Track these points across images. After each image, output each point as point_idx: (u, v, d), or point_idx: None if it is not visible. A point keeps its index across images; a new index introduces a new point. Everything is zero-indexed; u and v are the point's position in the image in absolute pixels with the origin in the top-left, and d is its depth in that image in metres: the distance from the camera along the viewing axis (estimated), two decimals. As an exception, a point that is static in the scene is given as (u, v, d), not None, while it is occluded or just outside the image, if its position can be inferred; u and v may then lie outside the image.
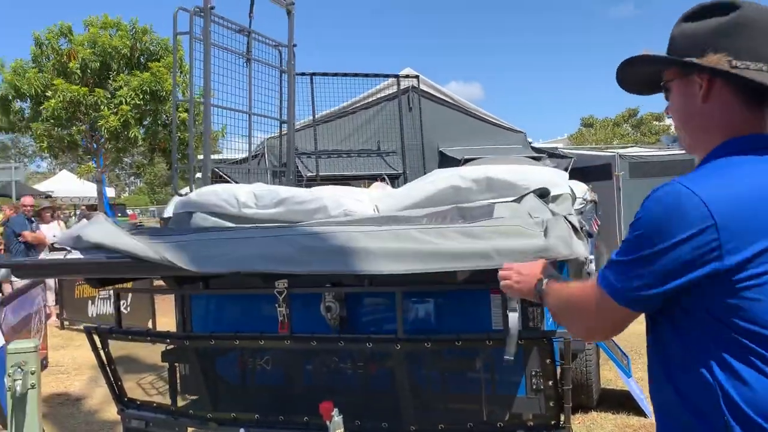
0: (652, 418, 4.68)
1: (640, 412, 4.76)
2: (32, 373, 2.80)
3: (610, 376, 5.48)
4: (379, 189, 4.92)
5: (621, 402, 4.94)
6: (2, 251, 11.39)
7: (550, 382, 2.66)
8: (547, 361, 2.64)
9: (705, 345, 1.26)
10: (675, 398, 1.31)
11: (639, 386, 5.10)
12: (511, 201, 2.83)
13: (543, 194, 2.94)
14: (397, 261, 2.29)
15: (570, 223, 2.56)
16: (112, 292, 3.44)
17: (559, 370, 2.71)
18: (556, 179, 3.14)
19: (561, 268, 2.87)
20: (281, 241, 2.47)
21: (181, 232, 3.03)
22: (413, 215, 2.66)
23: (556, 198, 3.00)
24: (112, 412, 5.45)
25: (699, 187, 1.24)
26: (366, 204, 3.17)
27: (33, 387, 2.81)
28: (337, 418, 2.51)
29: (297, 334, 2.84)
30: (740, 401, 1.20)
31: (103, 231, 2.71)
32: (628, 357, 5.22)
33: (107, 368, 3.25)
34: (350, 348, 2.84)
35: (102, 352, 3.23)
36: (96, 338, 3.20)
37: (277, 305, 2.82)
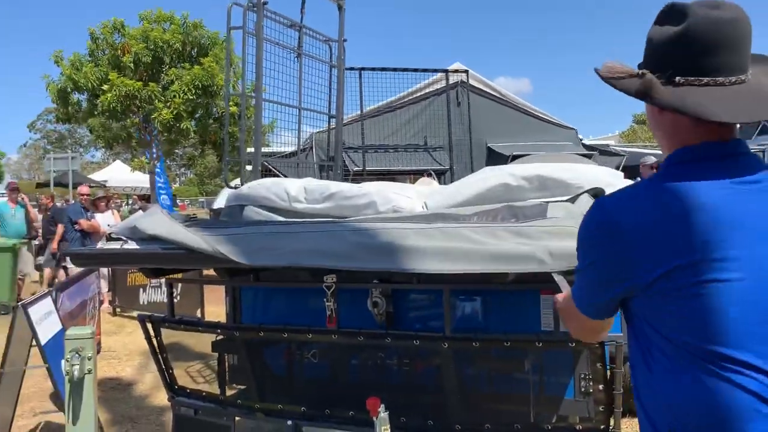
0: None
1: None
2: (89, 359, 2.89)
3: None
4: (426, 184, 4.92)
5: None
6: (39, 237, 11.80)
7: (600, 386, 2.61)
8: (598, 364, 2.59)
9: (641, 350, 1.32)
10: (635, 396, 1.38)
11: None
12: (565, 200, 2.78)
13: (597, 194, 2.87)
14: (447, 260, 2.27)
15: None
16: (164, 281, 3.52)
17: (609, 373, 2.65)
18: (611, 179, 3.06)
19: None
20: (332, 237, 2.48)
21: (233, 224, 3.08)
22: (463, 213, 2.64)
23: (611, 197, 2.92)
24: (161, 397, 5.60)
25: (619, 204, 1.32)
26: (415, 201, 3.16)
27: (89, 372, 2.89)
28: (383, 414, 2.52)
29: (344, 329, 2.86)
30: (665, 405, 1.27)
31: (158, 223, 2.77)
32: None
33: (159, 356, 3.33)
34: (397, 345, 2.83)
35: (155, 340, 3.31)
36: (149, 326, 3.28)
37: (325, 299, 2.84)
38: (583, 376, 2.85)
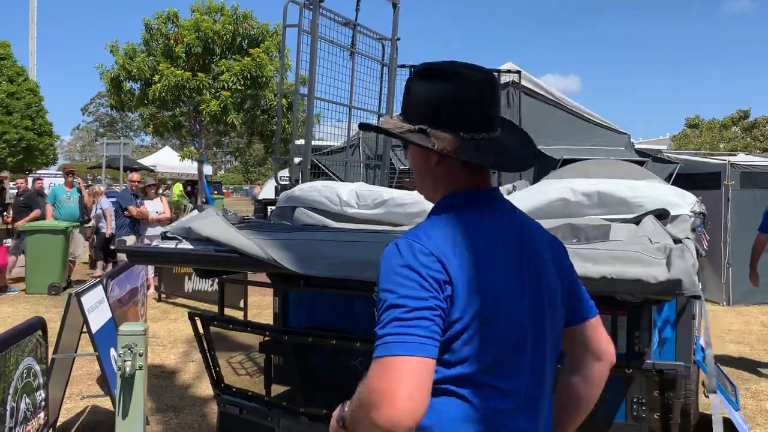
0: (756, 453, 4.39)
1: (742, 444, 4.46)
2: (140, 355, 2.93)
3: (708, 400, 5.18)
4: None
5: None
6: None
7: (656, 416, 2.53)
8: (655, 393, 2.50)
9: None
10: None
11: (744, 419, 4.79)
12: (629, 221, 2.69)
13: (662, 216, 2.77)
14: None
15: (690, 249, 2.40)
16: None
17: (664, 401, 2.57)
18: (674, 198, 2.95)
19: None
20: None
21: (286, 229, 3.08)
22: None
23: (674, 218, 2.82)
24: (203, 388, 5.68)
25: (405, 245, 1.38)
26: (469, 211, 3.11)
27: (140, 368, 2.94)
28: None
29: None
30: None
31: (213, 225, 2.78)
32: (735, 387, 4.90)
33: (207, 354, 3.36)
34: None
35: (204, 338, 3.34)
36: (198, 323, 3.31)
37: (375, 309, 2.81)
38: (636, 399, 2.77)
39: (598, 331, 1.61)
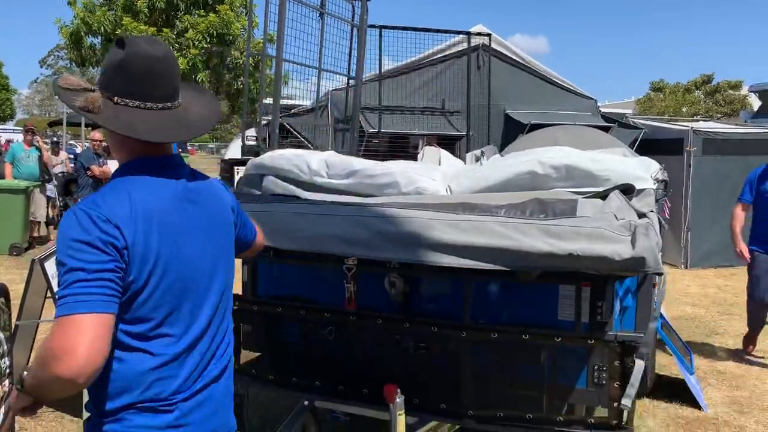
0: (707, 412, 4.59)
1: (694, 404, 4.67)
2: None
3: (664, 362, 5.38)
4: (432, 154, 4.85)
5: (675, 391, 4.84)
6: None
7: (616, 384, 2.62)
8: (615, 363, 2.59)
9: None
10: None
11: (698, 380, 5.00)
12: (595, 196, 2.74)
13: (628, 191, 2.83)
14: (474, 255, 2.25)
15: (654, 224, 2.47)
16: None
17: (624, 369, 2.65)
18: (640, 172, 3.01)
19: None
20: (357, 224, 2.45)
21: (254, 199, 3.05)
22: (491, 204, 2.60)
23: (639, 192, 2.88)
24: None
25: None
26: (439, 183, 3.12)
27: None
28: (399, 400, 2.54)
29: (363, 311, 2.86)
30: None
31: None
32: (691, 352, 5.09)
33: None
34: (415, 330, 2.84)
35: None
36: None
37: (345, 281, 2.83)
38: (596, 367, 2.87)
39: (258, 240, 2.08)
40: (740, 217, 5.53)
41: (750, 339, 5.81)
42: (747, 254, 5.41)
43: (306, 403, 3.06)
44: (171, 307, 1.56)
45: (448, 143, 9.05)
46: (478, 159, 5.32)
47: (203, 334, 1.64)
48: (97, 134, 10.61)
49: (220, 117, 1.78)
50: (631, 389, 2.59)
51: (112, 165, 10.07)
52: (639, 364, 2.59)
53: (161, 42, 1.66)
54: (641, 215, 2.52)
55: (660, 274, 2.40)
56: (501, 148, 7.62)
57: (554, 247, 2.16)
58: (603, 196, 2.72)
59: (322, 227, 2.51)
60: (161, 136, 1.60)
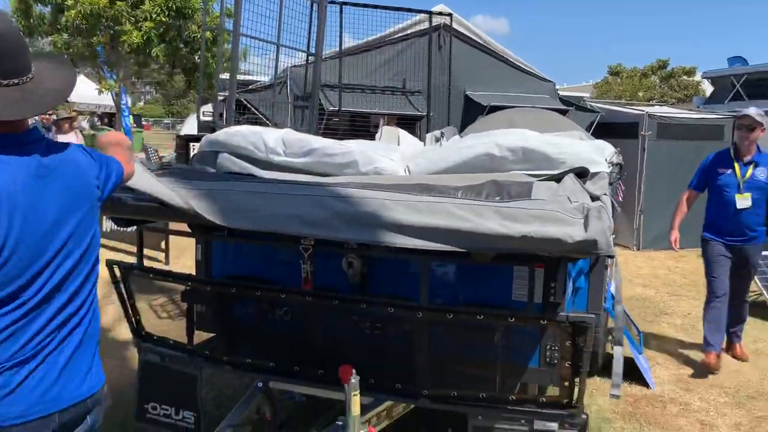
0: (654, 390, 4.74)
1: (642, 382, 4.82)
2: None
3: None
4: (390, 134, 4.84)
5: (624, 370, 4.96)
6: None
7: (567, 363, 2.67)
8: (567, 343, 2.63)
9: None
10: None
11: (646, 360, 5.15)
12: (551, 179, 2.76)
13: (582, 174, 2.86)
14: (430, 236, 2.25)
15: (607, 207, 2.50)
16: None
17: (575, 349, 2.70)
18: (595, 156, 3.05)
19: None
20: (313, 203, 2.42)
21: (209, 177, 2.98)
22: (448, 185, 2.60)
23: (593, 176, 2.92)
24: (124, 332, 5.56)
25: None
26: (397, 163, 3.11)
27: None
28: (354, 381, 2.54)
29: (319, 291, 2.84)
30: None
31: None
32: (640, 332, 5.23)
33: (126, 302, 3.28)
34: (371, 310, 2.83)
35: (122, 287, 3.25)
36: (117, 273, 3.22)
37: (301, 262, 2.80)
38: (549, 347, 2.92)
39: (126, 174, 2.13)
40: (684, 204, 5.46)
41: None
42: (676, 245, 5.44)
43: (260, 384, 3.04)
44: (14, 282, 1.64)
45: (408, 123, 9.02)
46: (437, 140, 5.32)
47: (46, 305, 1.71)
48: (46, 107, 10.24)
49: (71, 89, 1.85)
50: (617, 378, 2.64)
51: (62, 140, 9.77)
52: (618, 351, 2.63)
53: (3, 18, 1.70)
54: (595, 198, 2.55)
55: (611, 257, 2.44)
56: (461, 129, 7.63)
57: (509, 228, 2.18)
58: (558, 179, 2.75)
59: (279, 207, 2.46)
60: (4, 114, 1.62)
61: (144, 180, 2.61)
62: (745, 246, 5.12)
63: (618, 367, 2.48)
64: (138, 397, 3.39)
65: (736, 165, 5.07)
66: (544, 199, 2.34)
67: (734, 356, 5.45)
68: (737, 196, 5.03)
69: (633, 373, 4.87)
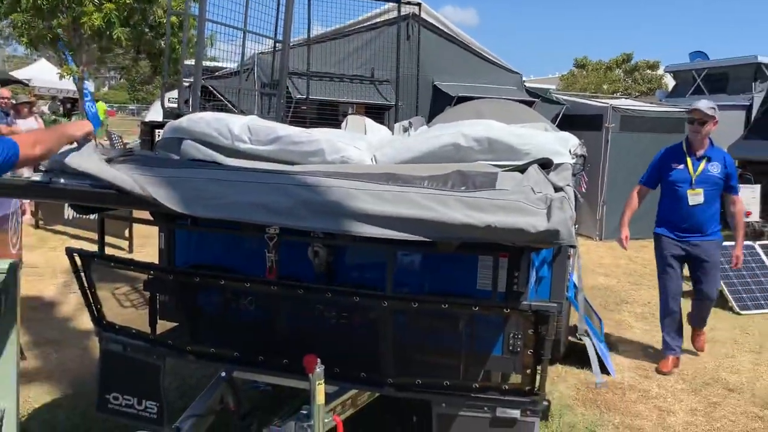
0: (615, 377, 4.84)
1: (603, 369, 4.92)
2: (6, 297, 2.75)
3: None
4: (357, 123, 4.82)
5: (586, 357, 5.07)
6: None
7: (529, 351, 2.71)
8: (529, 331, 2.67)
9: None
10: None
11: (607, 347, 5.25)
12: (515, 169, 2.78)
13: (546, 165, 2.89)
14: (395, 226, 2.26)
15: (570, 198, 2.54)
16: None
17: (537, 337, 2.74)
18: (559, 147, 3.08)
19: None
20: (278, 191, 2.40)
21: (170, 164, 2.93)
22: (414, 174, 2.61)
23: (557, 167, 2.95)
24: (85, 321, 5.47)
25: None
26: (364, 152, 3.10)
27: (11, 310, 2.77)
28: (319, 370, 2.54)
29: (284, 280, 2.83)
30: None
31: (88, 160, 2.61)
32: (601, 321, 5.33)
33: (87, 291, 3.22)
34: (337, 300, 2.83)
35: (83, 275, 3.19)
36: (78, 261, 3.15)
37: (266, 250, 2.79)
38: (512, 335, 2.96)
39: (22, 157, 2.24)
40: (634, 199, 5.24)
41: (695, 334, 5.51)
42: (626, 243, 5.20)
43: (224, 374, 3.02)
44: None
45: (376, 112, 9.01)
46: (405, 130, 5.32)
47: None
48: (5, 91, 9.96)
49: None
50: (594, 366, 2.68)
51: (22, 126, 9.50)
52: (588, 343, 2.67)
53: None
54: (558, 189, 2.58)
55: (573, 247, 2.48)
56: (429, 119, 7.65)
57: (473, 218, 2.19)
58: (522, 169, 2.78)
59: (243, 195, 2.43)
60: None
61: (101, 168, 2.57)
62: (701, 243, 4.98)
63: (593, 358, 2.52)
64: (99, 388, 3.34)
65: (689, 160, 4.93)
66: (508, 189, 2.36)
67: (696, 347, 5.47)
68: (689, 192, 4.89)
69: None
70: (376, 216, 2.29)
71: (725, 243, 5.47)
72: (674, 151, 5.07)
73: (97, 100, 21.00)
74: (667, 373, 4.99)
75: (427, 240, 2.29)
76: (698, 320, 5.41)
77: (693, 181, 4.89)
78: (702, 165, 4.91)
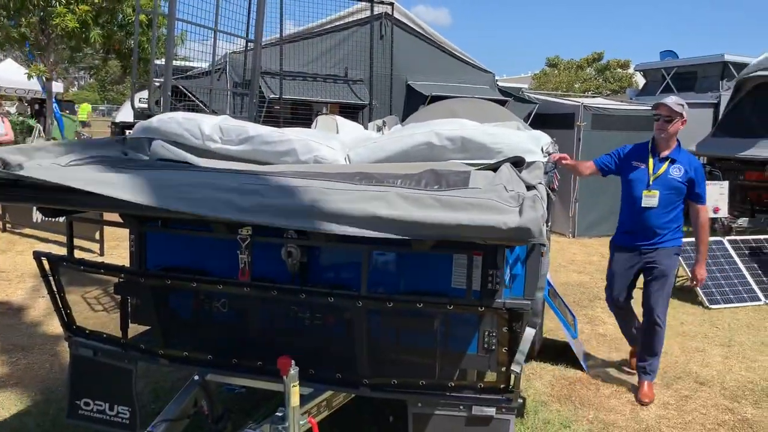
0: (589, 372, 4.89)
1: (577, 365, 4.97)
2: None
3: (551, 326, 5.67)
4: (327, 122, 4.81)
5: (560, 353, 5.13)
6: None
7: (504, 349, 2.71)
8: (504, 328, 2.68)
9: None
10: None
11: (581, 344, 5.31)
12: (488, 168, 2.79)
13: (518, 163, 2.91)
14: (369, 225, 2.25)
15: (541, 196, 2.56)
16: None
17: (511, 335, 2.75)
18: (531, 145, 3.10)
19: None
20: (251, 192, 2.37)
21: (140, 165, 2.88)
22: (388, 173, 2.60)
23: (529, 165, 2.97)
24: (54, 326, 5.38)
25: None
26: (337, 152, 3.09)
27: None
28: (293, 372, 2.52)
29: (257, 282, 2.80)
30: None
31: (45, 169, 2.55)
32: (575, 318, 5.37)
33: (56, 296, 3.16)
34: (311, 300, 2.81)
35: (51, 280, 3.12)
36: (46, 265, 3.09)
37: (239, 252, 2.76)
38: (487, 332, 2.97)
39: None
40: (582, 165, 4.97)
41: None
42: (562, 160, 4.47)
43: (197, 377, 2.98)
44: None
45: (351, 112, 9.01)
46: (380, 129, 5.33)
47: None
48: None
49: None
50: (520, 356, 2.70)
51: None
52: (528, 332, 2.68)
53: None
54: (530, 187, 2.60)
55: (543, 245, 2.50)
56: (403, 118, 7.66)
57: (446, 217, 2.19)
58: (495, 168, 2.79)
59: (214, 195, 2.40)
60: None
61: (57, 172, 2.51)
62: (653, 251, 4.51)
63: (524, 346, 2.53)
64: (69, 393, 3.28)
65: (651, 160, 4.52)
66: (481, 187, 2.37)
67: (638, 399, 4.52)
68: (644, 193, 4.47)
69: (569, 357, 5.02)
70: (348, 215, 2.28)
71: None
72: (639, 150, 4.67)
73: (82, 102, 20.65)
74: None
75: (401, 238, 2.29)
76: (644, 355, 4.67)
77: (650, 182, 4.47)
78: (664, 167, 4.48)
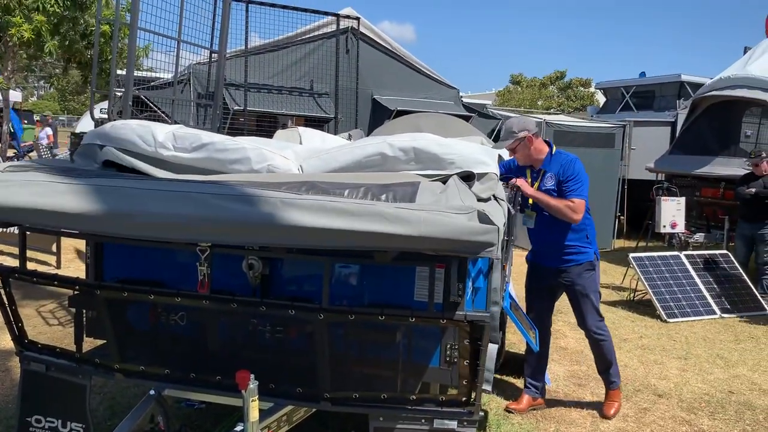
0: (550, 385, 4.93)
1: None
2: None
3: (514, 340, 5.71)
4: (288, 134, 4.79)
5: (522, 367, 5.14)
6: None
7: (466, 362, 2.72)
8: (465, 341, 2.68)
9: None
10: None
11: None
12: (436, 181, 2.81)
13: (468, 177, 2.93)
14: (314, 236, 2.23)
15: (494, 208, 2.58)
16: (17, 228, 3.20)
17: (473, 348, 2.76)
18: (484, 157, 3.10)
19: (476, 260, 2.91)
20: (201, 203, 2.30)
21: (85, 174, 2.75)
22: (336, 182, 2.59)
23: (482, 176, 2.97)
24: (5, 339, 5.19)
25: None
26: (291, 162, 3.05)
27: None
28: (252, 386, 2.48)
29: (217, 294, 2.75)
30: None
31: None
32: (536, 330, 5.40)
33: (8, 309, 3.06)
34: (272, 313, 2.78)
35: (3, 292, 3.02)
36: (-4, 277, 2.99)
37: (198, 263, 2.71)
38: (449, 345, 2.96)
39: None
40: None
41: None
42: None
43: (152, 392, 2.91)
44: None
45: (316, 125, 8.99)
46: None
47: None
48: None
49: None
50: (489, 374, 2.71)
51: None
52: (492, 348, 2.70)
53: None
54: (482, 199, 2.62)
55: (498, 258, 2.51)
56: (368, 132, 7.69)
57: (392, 228, 2.17)
58: (445, 179, 2.80)
59: (157, 206, 2.32)
60: None
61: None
62: (564, 270, 4.25)
63: (490, 364, 2.55)
64: (20, 410, 3.17)
65: (528, 172, 4.22)
66: (430, 199, 2.38)
67: (602, 413, 4.44)
68: (526, 212, 4.19)
69: (530, 370, 5.03)
70: (294, 227, 2.24)
71: (657, 254, 5.49)
72: (520, 167, 4.28)
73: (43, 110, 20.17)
74: (514, 409, 4.43)
75: (364, 250, 2.28)
76: (600, 366, 4.50)
77: (529, 201, 4.15)
78: (538, 182, 4.13)
